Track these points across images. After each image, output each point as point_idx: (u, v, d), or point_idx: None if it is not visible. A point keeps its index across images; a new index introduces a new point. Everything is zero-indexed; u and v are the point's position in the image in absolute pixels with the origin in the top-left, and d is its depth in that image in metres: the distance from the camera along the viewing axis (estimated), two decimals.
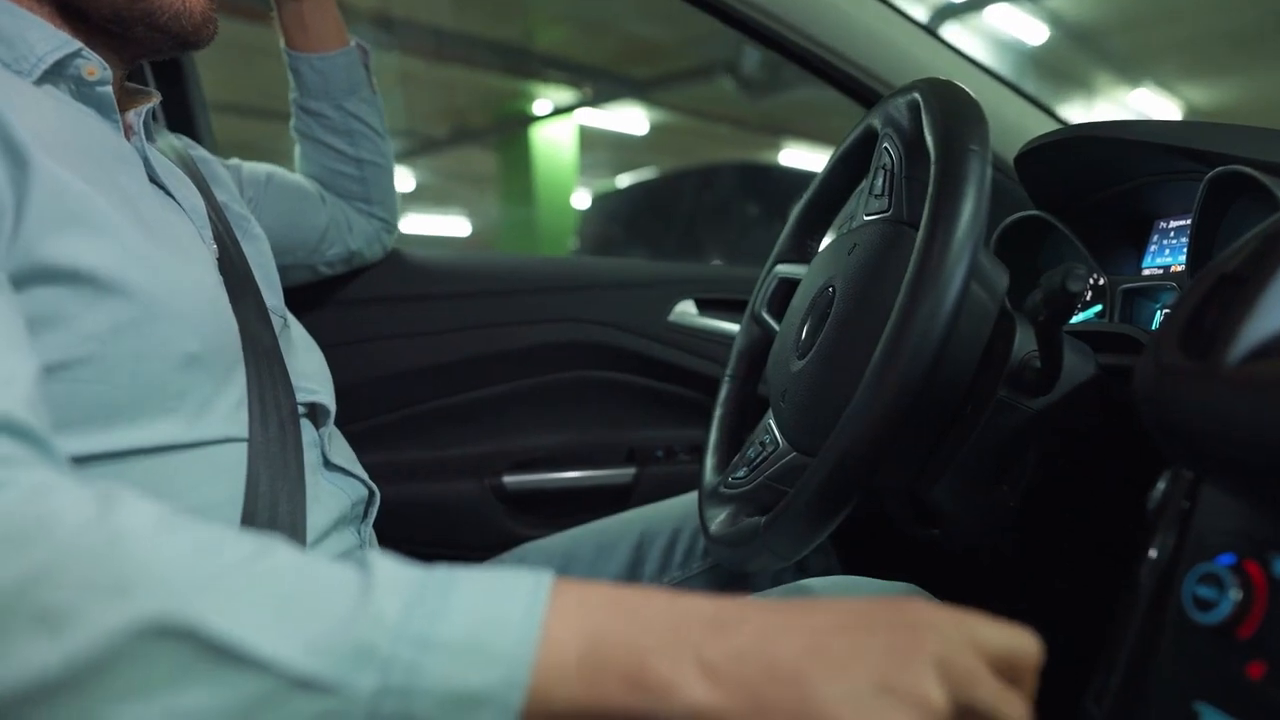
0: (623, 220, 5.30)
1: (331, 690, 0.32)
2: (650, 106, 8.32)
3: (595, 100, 8.09)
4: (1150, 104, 8.16)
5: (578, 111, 8.20)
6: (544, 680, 0.33)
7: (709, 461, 0.85)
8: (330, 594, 0.34)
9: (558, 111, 8.13)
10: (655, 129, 8.93)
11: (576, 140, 8.43)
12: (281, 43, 1.01)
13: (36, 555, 0.32)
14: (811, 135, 8.60)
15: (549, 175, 8.14)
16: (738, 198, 4.87)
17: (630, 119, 8.65)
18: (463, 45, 6.41)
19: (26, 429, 0.39)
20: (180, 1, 0.66)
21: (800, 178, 5.70)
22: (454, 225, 11.80)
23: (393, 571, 0.35)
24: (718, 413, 0.89)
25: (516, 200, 8.50)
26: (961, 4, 6.68)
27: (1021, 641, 0.39)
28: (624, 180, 5.70)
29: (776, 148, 9.46)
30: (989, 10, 6.73)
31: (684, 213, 4.98)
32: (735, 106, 7.84)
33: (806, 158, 8.82)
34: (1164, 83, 7.81)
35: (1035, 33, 7.03)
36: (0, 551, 0.32)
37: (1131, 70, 7.45)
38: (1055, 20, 6.83)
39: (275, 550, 0.36)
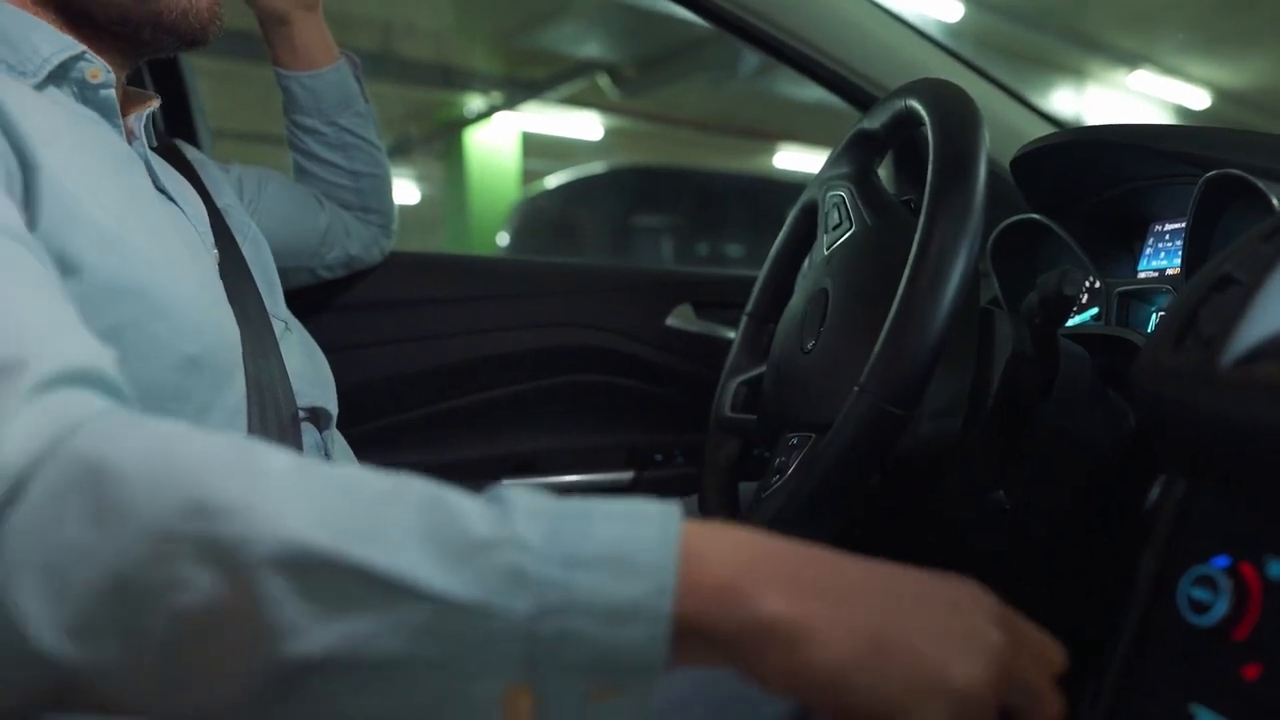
0: (549, 219, 5.27)
1: (490, 614, 0.33)
2: (603, 112, 8.27)
3: (507, 105, 8.07)
4: (1154, 87, 7.16)
5: (496, 117, 8.21)
6: (687, 591, 0.34)
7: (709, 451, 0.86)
8: (472, 525, 0.35)
9: (480, 117, 8.20)
10: (611, 133, 8.87)
11: (519, 146, 8.49)
12: (270, 59, 0.98)
13: (186, 491, 0.33)
14: (782, 138, 8.71)
15: (484, 181, 8.25)
16: (660, 199, 4.90)
17: (583, 124, 8.59)
18: (383, 64, 6.33)
19: (102, 377, 0.40)
20: (188, 0, 0.66)
21: (734, 177, 5.90)
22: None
23: (529, 500, 0.37)
24: (713, 411, 0.89)
25: (458, 206, 8.60)
26: None
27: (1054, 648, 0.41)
28: (553, 180, 5.63)
29: (753, 153, 9.48)
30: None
31: (610, 211, 4.96)
32: (692, 110, 7.80)
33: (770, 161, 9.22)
34: (1167, 65, 6.89)
35: (949, 10, 5.98)
36: (153, 489, 0.33)
37: (1128, 55, 6.74)
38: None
39: (412, 485, 0.37)
